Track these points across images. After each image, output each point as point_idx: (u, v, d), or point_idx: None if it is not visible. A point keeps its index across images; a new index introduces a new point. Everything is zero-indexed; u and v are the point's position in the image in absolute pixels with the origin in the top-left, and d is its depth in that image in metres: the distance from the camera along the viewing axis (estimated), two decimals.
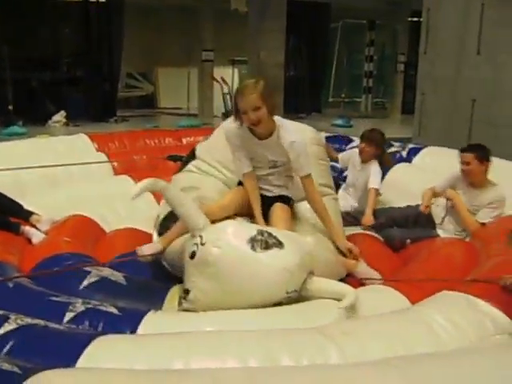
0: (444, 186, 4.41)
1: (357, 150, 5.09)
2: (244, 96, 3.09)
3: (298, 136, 3.26)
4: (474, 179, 4.18)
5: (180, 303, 2.82)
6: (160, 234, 3.49)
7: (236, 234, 2.74)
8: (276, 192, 3.43)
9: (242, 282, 2.63)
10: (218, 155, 3.96)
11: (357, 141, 6.47)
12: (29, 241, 3.89)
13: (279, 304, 2.69)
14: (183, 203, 2.92)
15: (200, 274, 2.71)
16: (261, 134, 3.23)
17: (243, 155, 3.33)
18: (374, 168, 4.88)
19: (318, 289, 2.79)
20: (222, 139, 3.57)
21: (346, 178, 5.29)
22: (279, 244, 2.70)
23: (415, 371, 1.72)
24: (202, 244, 2.72)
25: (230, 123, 3.31)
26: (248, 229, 2.80)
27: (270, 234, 2.73)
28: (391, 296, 2.86)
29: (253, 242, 2.67)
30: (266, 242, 2.68)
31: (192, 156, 4.25)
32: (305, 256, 2.79)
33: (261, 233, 2.72)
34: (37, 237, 3.89)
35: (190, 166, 4.11)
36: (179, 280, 3.02)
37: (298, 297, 2.76)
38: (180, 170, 4.24)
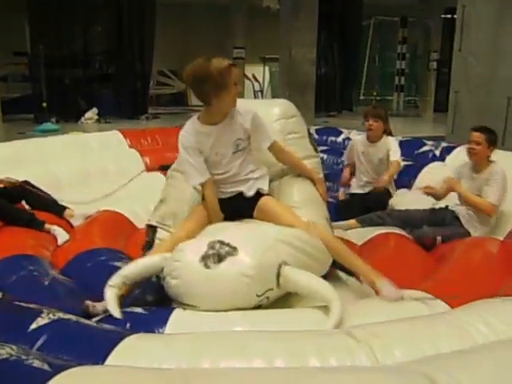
0: (455, 176, 4.47)
1: (357, 139, 5.39)
2: (238, 68, 3.13)
3: (248, 109, 3.18)
4: (478, 161, 4.24)
5: None
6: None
7: (188, 257, 2.64)
8: (252, 183, 3.23)
9: (209, 303, 2.56)
10: None
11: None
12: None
13: (259, 307, 2.62)
14: (140, 266, 2.77)
15: (175, 304, 2.66)
16: (216, 120, 3.10)
17: (199, 161, 3.10)
18: (394, 143, 5.08)
19: (296, 286, 2.66)
20: None
21: None
22: (233, 250, 2.60)
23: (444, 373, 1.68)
24: (164, 279, 2.68)
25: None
26: (199, 246, 2.67)
27: (221, 243, 2.62)
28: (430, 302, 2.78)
29: (205, 259, 2.57)
30: (219, 255, 2.58)
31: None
32: (266, 252, 2.68)
33: (211, 246, 2.62)
34: (62, 237, 3.89)
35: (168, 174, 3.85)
36: None
37: (280, 294, 2.72)
38: None
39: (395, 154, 5.00)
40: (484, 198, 4.12)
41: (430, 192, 4.52)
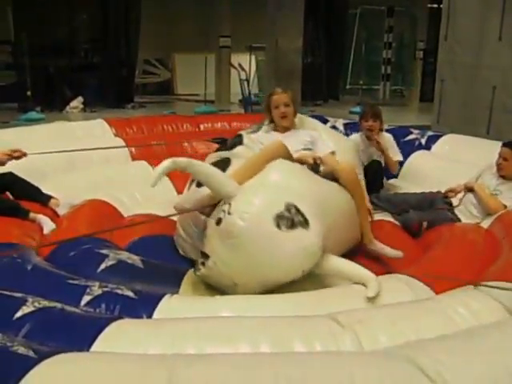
0: (475, 177, 4.44)
1: (355, 138, 5.26)
2: (278, 93, 4.09)
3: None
4: (506, 174, 4.21)
5: (197, 268, 2.84)
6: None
7: (264, 207, 2.71)
8: None
9: (261, 258, 2.65)
10: None
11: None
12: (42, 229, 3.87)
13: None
14: (210, 174, 2.86)
15: (222, 242, 2.72)
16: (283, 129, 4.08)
17: None
18: (393, 142, 5.16)
19: (334, 268, 2.82)
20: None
21: None
22: (305, 223, 2.69)
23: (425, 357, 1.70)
24: (229, 213, 2.70)
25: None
26: (276, 202, 2.73)
27: (297, 211, 2.70)
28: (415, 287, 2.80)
29: (279, 219, 2.66)
30: (292, 221, 2.67)
31: (239, 142, 4.22)
32: (324, 234, 2.78)
33: (288, 209, 2.69)
34: (48, 226, 3.85)
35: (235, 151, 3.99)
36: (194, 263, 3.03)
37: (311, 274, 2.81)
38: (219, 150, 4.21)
39: (398, 154, 5.14)
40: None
41: (452, 195, 4.46)
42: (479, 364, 1.70)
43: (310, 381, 1.57)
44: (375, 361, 1.72)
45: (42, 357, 1.61)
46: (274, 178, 2.95)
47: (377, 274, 2.94)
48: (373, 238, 3.43)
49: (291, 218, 2.67)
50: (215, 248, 2.76)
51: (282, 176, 3.00)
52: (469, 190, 4.28)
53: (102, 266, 2.96)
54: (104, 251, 3.12)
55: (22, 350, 1.66)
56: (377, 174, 4.93)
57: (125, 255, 3.13)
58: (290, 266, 2.67)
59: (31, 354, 1.64)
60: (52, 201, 4.20)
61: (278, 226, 2.65)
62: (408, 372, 1.62)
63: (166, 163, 2.75)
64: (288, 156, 3.24)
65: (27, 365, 1.55)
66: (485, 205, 4.12)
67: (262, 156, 3.20)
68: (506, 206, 4.03)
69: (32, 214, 3.90)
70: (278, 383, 1.53)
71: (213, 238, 2.80)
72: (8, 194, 4.25)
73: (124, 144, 5.64)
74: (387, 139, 5.12)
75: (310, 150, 3.85)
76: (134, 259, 3.07)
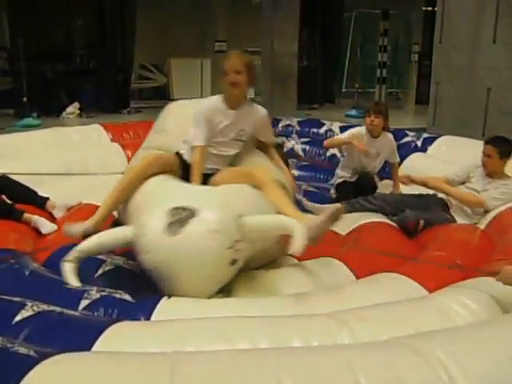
0: (459, 173, 4.49)
1: (358, 130, 5.27)
2: (228, 59, 3.47)
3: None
4: (491, 171, 4.26)
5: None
6: None
7: (151, 230, 2.73)
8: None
9: (187, 268, 2.66)
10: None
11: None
12: (37, 231, 3.84)
13: (234, 262, 2.75)
14: (102, 242, 2.95)
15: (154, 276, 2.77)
16: (233, 105, 3.50)
17: (207, 129, 3.45)
18: (393, 143, 5.23)
19: (255, 225, 2.82)
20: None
21: None
22: (193, 212, 2.70)
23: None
24: (138, 257, 2.80)
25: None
26: (158, 217, 2.75)
27: (179, 209, 2.73)
28: (407, 285, 2.83)
29: (170, 227, 2.67)
30: (181, 220, 2.68)
31: None
32: (223, 207, 2.82)
33: (171, 214, 2.71)
34: (46, 228, 3.84)
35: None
36: None
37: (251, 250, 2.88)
38: None
39: (396, 156, 5.27)
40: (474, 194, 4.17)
41: (407, 182, 4.57)
42: (480, 350, 1.73)
43: (310, 372, 1.58)
44: (373, 349, 1.74)
45: (43, 356, 1.62)
46: (146, 201, 3.07)
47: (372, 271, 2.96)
48: (302, 215, 3.15)
49: (178, 219, 2.69)
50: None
51: (153, 191, 3.17)
52: (422, 184, 4.37)
53: (100, 271, 2.97)
54: (101, 256, 3.13)
55: (22, 350, 1.67)
56: (367, 187, 4.95)
57: (122, 260, 3.14)
58: (210, 252, 2.66)
59: (32, 353, 1.65)
60: (48, 203, 4.19)
61: (172, 233, 2.66)
62: (408, 358, 1.64)
63: (64, 267, 2.84)
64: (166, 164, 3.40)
65: (28, 364, 1.55)
66: (460, 199, 4.20)
67: (130, 180, 3.33)
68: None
69: (26, 215, 3.88)
70: (280, 377, 1.54)
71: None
72: (3, 197, 4.22)
73: (121, 150, 5.66)
74: (388, 140, 5.19)
75: (241, 141, 3.59)
76: (131, 264, 3.08)
